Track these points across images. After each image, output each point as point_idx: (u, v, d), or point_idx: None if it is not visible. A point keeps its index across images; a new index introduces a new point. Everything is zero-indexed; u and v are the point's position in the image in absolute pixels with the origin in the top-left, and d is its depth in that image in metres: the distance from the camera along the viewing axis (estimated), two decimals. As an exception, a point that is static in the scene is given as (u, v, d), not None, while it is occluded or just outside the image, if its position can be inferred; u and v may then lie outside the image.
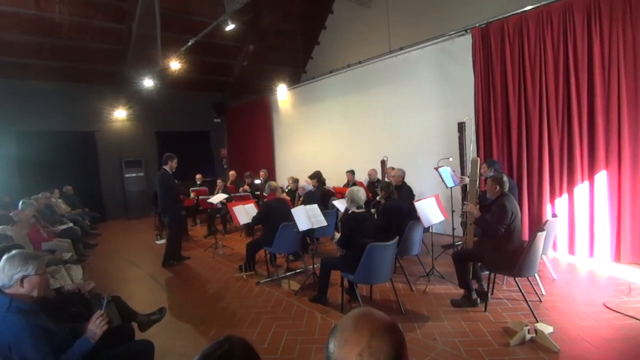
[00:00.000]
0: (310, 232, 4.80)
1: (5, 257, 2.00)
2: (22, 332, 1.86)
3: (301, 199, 6.43)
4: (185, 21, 9.02)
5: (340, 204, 5.93)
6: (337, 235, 4.04)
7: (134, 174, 10.96)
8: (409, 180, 5.62)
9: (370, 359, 0.75)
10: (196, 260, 6.20)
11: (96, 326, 2.10)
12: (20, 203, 5.39)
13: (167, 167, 5.78)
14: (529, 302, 3.40)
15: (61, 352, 1.98)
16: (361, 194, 3.91)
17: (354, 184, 7.39)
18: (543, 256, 3.95)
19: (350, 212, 3.93)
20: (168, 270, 5.72)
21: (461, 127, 5.33)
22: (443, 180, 5.26)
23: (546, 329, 3.01)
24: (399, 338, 0.80)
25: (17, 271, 1.94)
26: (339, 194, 7.11)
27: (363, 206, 3.96)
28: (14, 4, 7.63)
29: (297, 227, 4.45)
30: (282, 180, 9.55)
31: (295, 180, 7.58)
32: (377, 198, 5.61)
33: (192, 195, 8.18)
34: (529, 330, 2.98)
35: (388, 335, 0.78)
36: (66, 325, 2.24)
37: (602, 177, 4.74)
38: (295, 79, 11.62)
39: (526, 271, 3.44)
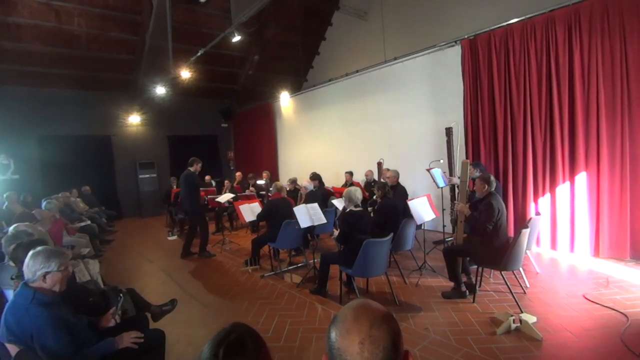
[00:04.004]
0: (311, 229, 4.80)
1: (30, 253, 2.00)
2: (43, 323, 1.86)
3: (303, 198, 6.43)
4: (194, 33, 9.02)
5: (339, 203, 5.92)
6: (336, 232, 4.03)
7: (147, 175, 10.96)
8: (402, 180, 5.62)
9: (371, 347, 0.75)
10: (205, 255, 6.20)
11: (129, 339, 2.10)
12: (45, 203, 5.39)
13: (192, 169, 5.83)
14: (514, 294, 3.40)
15: (80, 341, 1.98)
16: (358, 193, 3.90)
17: (352, 184, 7.39)
18: (527, 251, 3.95)
19: (347, 210, 3.93)
20: (179, 265, 5.72)
21: (449, 132, 5.34)
22: (435, 181, 5.26)
23: (530, 319, 3.02)
24: (395, 327, 0.80)
25: (40, 268, 1.94)
26: (338, 193, 7.11)
27: (360, 205, 3.96)
28: (35, 16, 7.63)
29: (299, 224, 4.46)
30: (285, 181, 9.54)
31: (293, 181, 7.57)
32: (374, 197, 5.62)
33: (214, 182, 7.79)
34: (514, 320, 2.98)
35: (386, 325, 0.79)
36: (85, 317, 2.25)
37: (582, 178, 4.74)
38: (297, 87, 11.62)
39: (511, 265, 3.45)
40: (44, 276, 1.95)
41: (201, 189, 8.57)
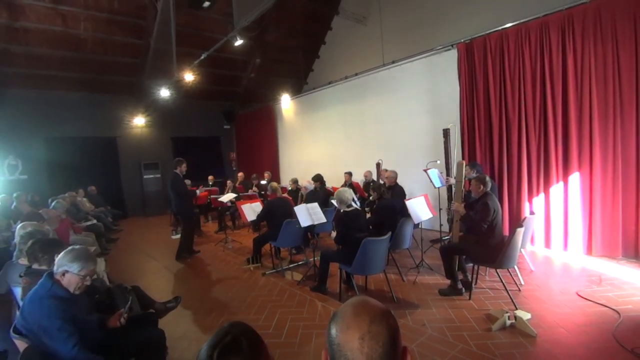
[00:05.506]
0: (311, 228, 4.80)
1: (68, 248, 2.06)
2: (52, 315, 1.88)
3: (304, 197, 6.43)
4: (197, 37, 9.02)
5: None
6: (334, 233, 4.03)
7: (152, 175, 10.96)
8: (400, 180, 5.62)
9: (370, 343, 0.76)
10: (208, 253, 6.21)
11: None
12: (54, 202, 5.38)
13: (177, 171, 5.69)
14: (509, 292, 3.41)
15: (87, 339, 1.98)
16: (348, 194, 3.89)
17: (351, 184, 7.39)
18: (522, 250, 3.96)
19: (342, 211, 3.93)
20: (182, 263, 5.72)
21: (446, 133, 5.34)
22: (431, 181, 5.26)
23: (525, 315, 3.02)
24: (394, 324, 0.80)
25: (64, 264, 1.98)
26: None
27: (353, 204, 3.96)
28: (43, 21, 7.64)
29: (299, 223, 4.46)
30: (286, 181, 9.54)
31: (295, 182, 7.59)
32: (370, 198, 5.62)
33: (198, 192, 7.85)
34: (509, 317, 2.99)
35: (385, 321, 0.79)
36: (95, 314, 2.25)
37: (575, 178, 4.75)
38: (298, 90, 11.62)
39: (506, 263, 3.45)
40: (63, 274, 1.99)
41: (204, 188, 8.64)
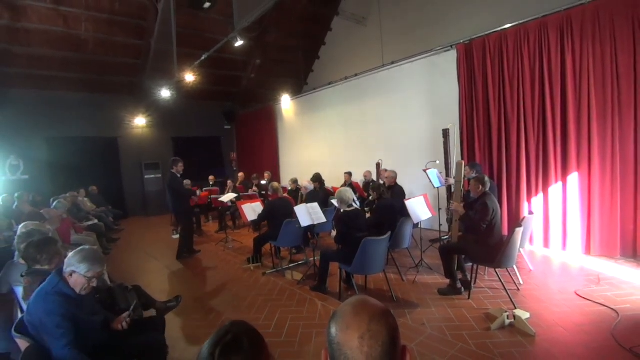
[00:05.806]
0: (311, 228, 4.80)
1: (79, 249, 2.07)
2: (53, 311, 1.88)
3: (304, 197, 6.43)
4: (198, 38, 9.02)
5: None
6: (334, 232, 4.03)
7: (153, 175, 10.97)
8: (400, 180, 5.62)
9: (370, 342, 0.76)
10: (208, 253, 6.21)
11: None
12: (56, 202, 5.39)
13: (174, 171, 5.66)
14: (508, 291, 3.41)
15: (88, 340, 1.98)
16: (349, 194, 3.89)
17: (351, 184, 7.39)
18: (521, 249, 3.96)
19: (342, 211, 3.93)
20: (183, 262, 5.72)
21: (446, 133, 5.33)
22: (431, 181, 5.26)
23: (523, 314, 3.02)
24: (393, 323, 0.80)
25: (72, 264, 1.99)
26: (337, 193, 7.08)
27: (353, 204, 3.96)
28: (44, 22, 7.65)
29: (299, 223, 4.46)
30: (286, 181, 9.55)
31: (295, 182, 7.58)
32: (370, 198, 5.62)
33: (198, 193, 7.82)
34: (508, 316, 2.99)
35: (385, 320, 0.79)
36: (101, 314, 2.25)
37: (574, 178, 4.75)
38: (298, 90, 11.62)
39: (505, 263, 3.45)
40: (71, 273, 2.00)
41: (204, 188, 8.64)
